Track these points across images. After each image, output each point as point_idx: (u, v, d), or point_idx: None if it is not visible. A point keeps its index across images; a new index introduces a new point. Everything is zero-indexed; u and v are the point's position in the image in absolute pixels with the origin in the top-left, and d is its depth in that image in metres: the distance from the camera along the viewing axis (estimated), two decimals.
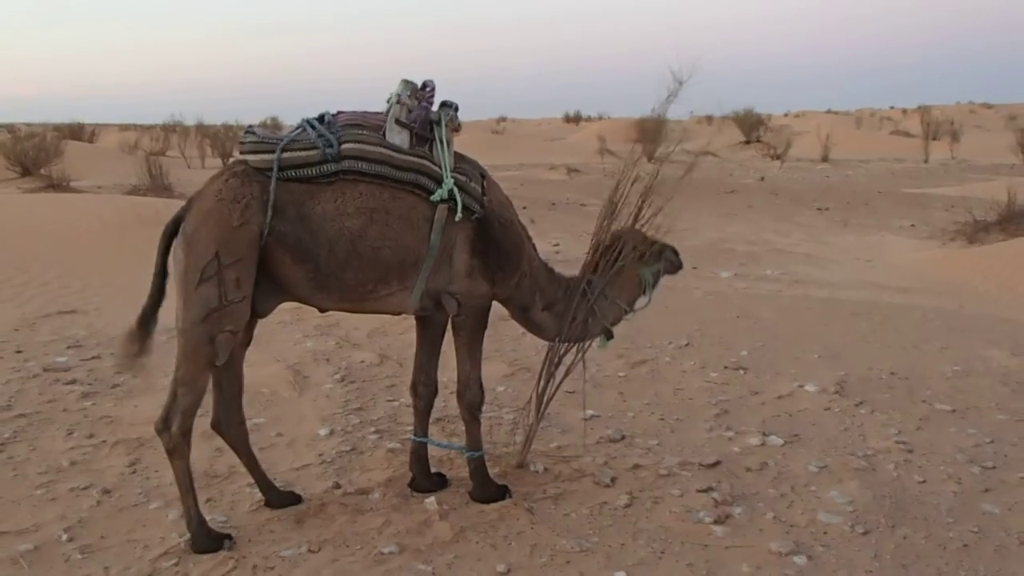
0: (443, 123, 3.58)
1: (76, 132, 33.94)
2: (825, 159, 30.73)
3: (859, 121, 58.18)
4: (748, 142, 36.59)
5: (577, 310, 3.91)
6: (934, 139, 33.34)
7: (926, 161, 30.92)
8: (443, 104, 3.65)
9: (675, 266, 4.07)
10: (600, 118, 59.63)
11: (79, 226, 10.28)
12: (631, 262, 3.93)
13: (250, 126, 3.52)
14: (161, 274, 3.35)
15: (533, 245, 3.94)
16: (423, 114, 3.54)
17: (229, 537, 3.41)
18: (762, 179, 22.46)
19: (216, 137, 31.59)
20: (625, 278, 3.96)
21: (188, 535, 3.40)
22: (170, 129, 36.49)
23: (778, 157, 29.85)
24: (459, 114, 3.67)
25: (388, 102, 3.54)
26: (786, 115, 71.34)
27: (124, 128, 48.18)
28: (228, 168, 3.45)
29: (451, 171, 3.51)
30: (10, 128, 37.69)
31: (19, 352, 6.20)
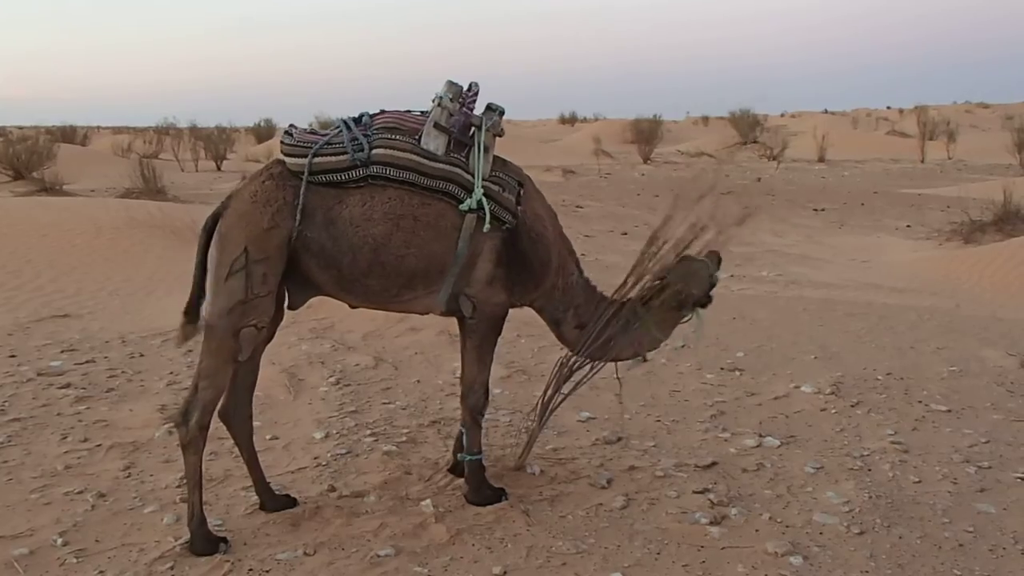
0: (483, 128, 3.51)
1: (68, 135, 33.97)
2: (821, 160, 30.85)
3: (855, 121, 58.35)
4: (745, 143, 36.67)
5: (614, 334, 3.80)
6: (930, 139, 33.46)
7: (922, 161, 31.02)
8: (488, 108, 3.58)
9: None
10: (596, 119, 59.71)
11: (72, 230, 10.26)
12: (673, 309, 3.85)
13: (291, 125, 3.54)
14: (201, 266, 3.40)
15: (577, 260, 3.89)
16: (462, 119, 3.49)
17: (225, 541, 3.40)
18: (759, 180, 22.49)
19: (209, 140, 31.58)
20: (669, 313, 3.87)
21: (186, 535, 3.39)
22: (163, 132, 36.53)
23: (775, 158, 29.91)
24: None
25: (432, 102, 3.49)
26: (783, 116, 71.53)
27: (117, 131, 48.22)
28: (267, 168, 3.51)
29: (485, 179, 3.47)
30: (1, 131, 37.67)
31: (12, 356, 6.18)
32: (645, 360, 4.01)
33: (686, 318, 3.92)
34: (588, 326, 3.84)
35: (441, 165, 3.42)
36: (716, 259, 3.89)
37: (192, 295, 3.45)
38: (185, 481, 3.45)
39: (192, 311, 3.46)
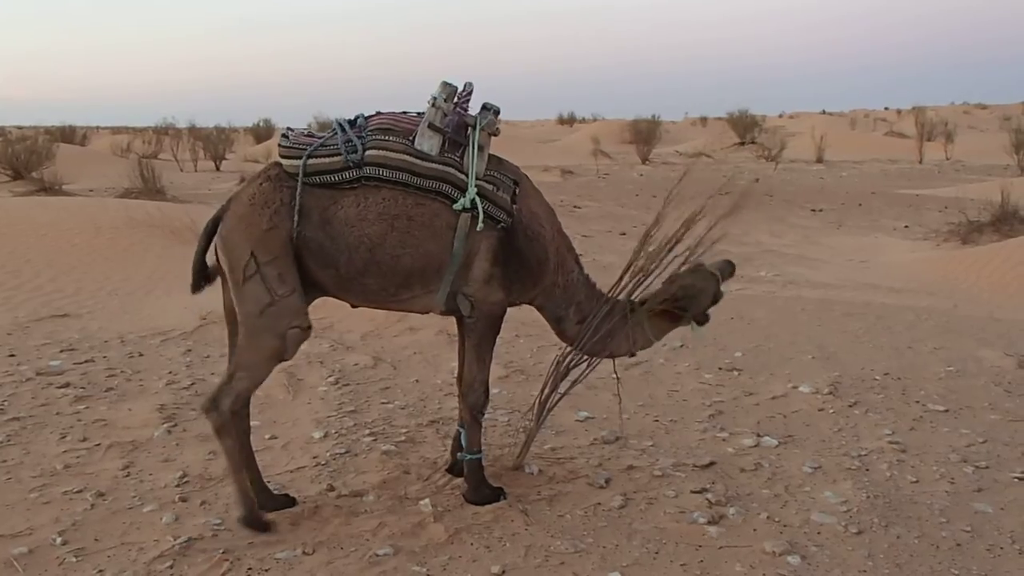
0: (478, 127, 3.52)
1: (68, 135, 33.99)
2: (819, 160, 30.86)
3: (853, 122, 58.42)
4: (743, 143, 36.71)
5: (612, 329, 3.84)
6: (928, 140, 33.45)
7: (920, 162, 31.05)
8: (483, 107, 3.60)
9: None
10: (594, 120, 59.78)
11: (71, 230, 10.26)
12: (669, 318, 3.87)
13: (288, 128, 3.57)
14: (200, 262, 3.53)
15: (576, 257, 3.90)
16: (455, 119, 3.51)
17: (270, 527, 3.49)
18: (756, 180, 22.49)
19: (208, 140, 31.58)
20: (664, 320, 3.90)
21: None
22: (162, 132, 36.52)
23: (773, 159, 29.93)
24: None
25: (428, 103, 3.52)
26: (780, 116, 71.64)
27: (116, 131, 48.24)
28: (264, 171, 3.55)
29: (479, 178, 3.48)
30: (1, 131, 37.68)
31: (12, 356, 6.18)
32: (633, 355, 4.02)
33: (682, 325, 3.94)
34: (587, 321, 3.86)
35: (434, 165, 3.44)
36: (729, 268, 3.90)
37: (193, 280, 3.56)
38: (229, 466, 3.50)
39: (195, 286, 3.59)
